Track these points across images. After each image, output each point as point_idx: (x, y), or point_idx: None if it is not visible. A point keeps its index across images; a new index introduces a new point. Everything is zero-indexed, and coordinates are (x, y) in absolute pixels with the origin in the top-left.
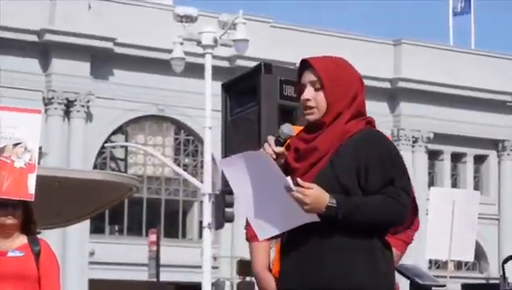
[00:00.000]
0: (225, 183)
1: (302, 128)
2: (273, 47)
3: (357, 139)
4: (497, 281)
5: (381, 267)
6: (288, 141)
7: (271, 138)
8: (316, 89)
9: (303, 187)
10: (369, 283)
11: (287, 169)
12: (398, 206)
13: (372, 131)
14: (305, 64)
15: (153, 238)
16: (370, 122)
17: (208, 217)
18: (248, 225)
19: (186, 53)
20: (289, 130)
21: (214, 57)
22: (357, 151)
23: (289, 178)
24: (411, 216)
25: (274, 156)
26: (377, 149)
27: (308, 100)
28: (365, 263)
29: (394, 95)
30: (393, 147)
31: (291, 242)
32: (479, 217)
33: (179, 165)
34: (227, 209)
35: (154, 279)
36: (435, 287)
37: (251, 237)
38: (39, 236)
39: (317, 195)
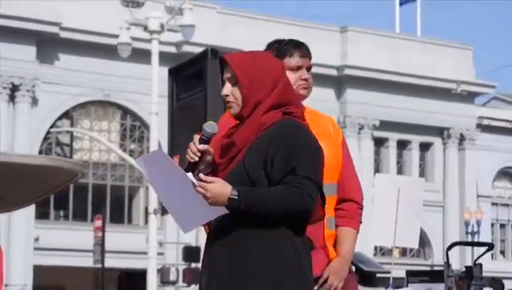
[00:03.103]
0: None
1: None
2: (220, 33)
3: (271, 131)
4: (441, 268)
5: (289, 256)
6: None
7: (196, 137)
8: (233, 84)
9: (206, 182)
10: (274, 274)
11: (214, 166)
12: (300, 194)
13: (286, 122)
14: (223, 61)
15: (98, 223)
16: (289, 113)
17: (153, 203)
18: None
19: (132, 38)
20: (211, 128)
21: (161, 43)
22: (269, 144)
23: (190, 174)
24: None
25: (199, 154)
26: (285, 139)
27: (227, 95)
28: (270, 253)
29: (340, 82)
30: (306, 136)
31: (209, 236)
32: (424, 205)
33: (125, 151)
34: None
35: (100, 266)
36: (379, 273)
37: None
38: None
39: (218, 189)
